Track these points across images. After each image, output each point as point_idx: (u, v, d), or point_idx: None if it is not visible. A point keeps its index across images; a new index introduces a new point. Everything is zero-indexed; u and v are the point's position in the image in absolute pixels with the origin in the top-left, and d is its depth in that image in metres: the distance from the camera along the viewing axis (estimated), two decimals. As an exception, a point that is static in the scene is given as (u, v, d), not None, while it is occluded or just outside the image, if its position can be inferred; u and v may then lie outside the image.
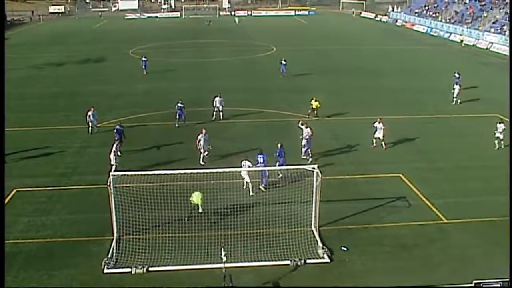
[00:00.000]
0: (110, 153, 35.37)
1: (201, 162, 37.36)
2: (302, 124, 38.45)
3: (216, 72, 71.51)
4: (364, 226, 28.77)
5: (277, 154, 34.12)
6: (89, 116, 44.06)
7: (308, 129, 37.58)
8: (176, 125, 45.18)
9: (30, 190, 33.78)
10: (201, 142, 37.44)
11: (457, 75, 56.12)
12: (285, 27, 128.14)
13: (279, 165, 33.26)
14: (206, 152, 37.71)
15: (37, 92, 61.76)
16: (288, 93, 58.02)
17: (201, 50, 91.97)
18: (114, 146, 35.79)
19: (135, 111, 51.23)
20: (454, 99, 52.33)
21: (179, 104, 45.54)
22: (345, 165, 37.16)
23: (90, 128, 44.17)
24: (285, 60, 68.02)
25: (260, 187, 32.92)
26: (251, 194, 31.67)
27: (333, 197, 31.28)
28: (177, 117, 45.42)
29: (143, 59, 71.68)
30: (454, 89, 53.35)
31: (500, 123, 39.05)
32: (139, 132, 44.58)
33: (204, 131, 37.95)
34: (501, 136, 38.80)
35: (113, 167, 34.38)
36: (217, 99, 47.83)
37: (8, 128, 46.17)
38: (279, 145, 34.59)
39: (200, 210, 29.02)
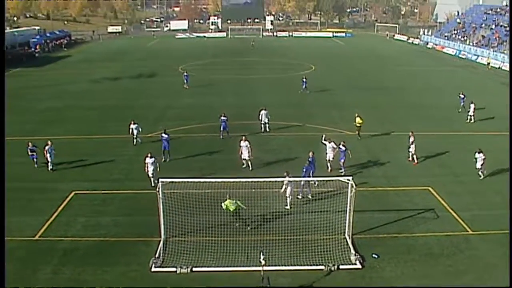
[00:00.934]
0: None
1: (243, 167, 37.78)
2: (325, 140, 38.12)
3: (258, 88, 71.66)
4: (394, 235, 28.55)
5: (309, 161, 34.49)
6: (131, 128, 44.41)
7: (332, 144, 37.44)
8: (221, 136, 45.43)
9: (86, 193, 34.40)
10: (242, 149, 37.91)
11: (461, 96, 55.53)
12: (324, 47, 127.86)
13: (305, 172, 33.34)
14: (247, 158, 38.05)
15: (95, 104, 62.69)
16: (326, 109, 57.79)
17: (245, 67, 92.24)
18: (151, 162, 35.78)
19: (182, 123, 51.60)
20: (469, 117, 51.58)
21: (222, 117, 45.80)
22: (377, 178, 36.87)
23: (134, 140, 44.48)
24: (305, 78, 68.13)
25: (298, 196, 32.88)
26: (288, 207, 31.44)
27: (366, 207, 31.14)
28: (221, 129, 45.65)
29: (185, 74, 73.83)
30: (462, 106, 53.99)
31: (479, 152, 36.60)
32: (185, 142, 44.93)
33: (244, 137, 38.70)
34: (479, 166, 36.53)
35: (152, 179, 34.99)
36: (262, 112, 48.10)
37: (68, 136, 47.33)
38: (310, 153, 34.91)
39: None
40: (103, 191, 34.84)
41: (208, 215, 29.16)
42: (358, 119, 45.07)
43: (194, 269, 25.14)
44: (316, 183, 33.72)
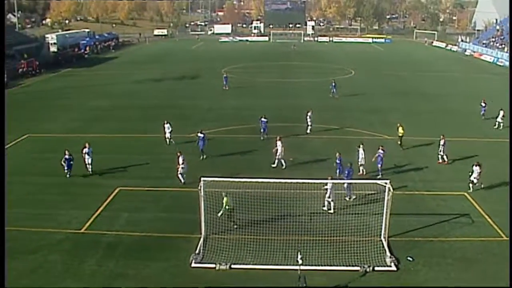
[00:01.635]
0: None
1: (272, 165, 38.28)
2: (359, 146, 37.66)
3: (299, 91, 71.43)
4: (430, 239, 28.18)
5: (337, 162, 35.38)
6: (165, 129, 44.74)
7: (362, 148, 37.17)
8: (261, 138, 45.50)
9: (130, 190, 34.82)
10: (278, 148, 38.38)
11: (483, 104, 54.26)
12: (363, 53, 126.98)
13: (348, 174, 33.10)
14: (279, 156, 38.55)
15: (139, 104, 63.46)
16: (365, 113, 57.34)
17: (286, 71, 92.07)
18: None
19: (224, 124, 51.91)
20: (497, 123, 50.58)
21: (263, 119, 45.92)
22: (414, 182, 36.43)
23: (167, 140, 44.72)
24: (334, 82, 67.58)
25: (346, 198, 32.79)
26: (331, 211, 31.19)
27: (402, 210, 30.72)
28: (262, 130, 45.74)
29: (224, 76, 74.68)
30: (482, 115, 53.59)
31: (476, 165, 34.94)
32: (227, 142, 45.15)
33: (278, 137, 39.37)
34: (475, 180, 34.92)
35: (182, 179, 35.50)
36: (309, 114, 48.35)
37: (112, 134, 47.96)
38: (337, 154, 35.81)
39: (219, 214, 28.83)
40: (146, 188, 35.22)
41: (247, 214, 29.24)
42: (400, 129, 43.96)
43: (232, 266, 25.23)
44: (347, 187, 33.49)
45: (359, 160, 37.00)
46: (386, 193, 26.70)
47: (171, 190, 34.71)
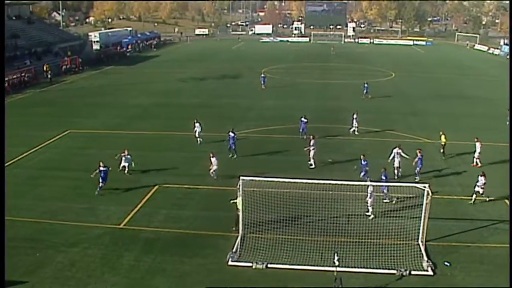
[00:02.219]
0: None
1: (311, 166, 38.41)
2: (396, 149, 37.24)
3: (338, 93, 71.05)
4: (467, 244, 27.75)
5: (363, 164, 35.45)
6: (195, 128, 44.77)
7: (396, 150, 36.83)
8: (300, 136, 45.42)
9: (169, 187, 35.12)
10: (310, 148, 38.59)
11: (509, 110, 52.63)
12: (404, 55, 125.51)
13: (385, 177, 32.78)
14: (311, 155, 38.65)
15: (180, 102, 64.21)
16: (404, 115, 56.73)
17: (326, 72, 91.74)
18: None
19: (263, 123, 52.08)
20: None
21: (303, 119, 45.85)
22: (453, 187, 35.91)
23: (197, 139, 44.78)
24: (367, 83, 67.07)
25: (384, 200, 32.59)
26: (371, 216, 30.89)
27: (440, 215, 30.31)
28: (301, 130, 45.67)
29: (262, 75, 75.03)
30: (508, 119, 51.86)
31: (481, 175, 33.42)
32: (265, 142, 45.27)
33: (311, 136, 39.56)
34: (481, 191, 33.35)
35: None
36: (355, 115, 48.23)
37: (152, 132, 48.46)
38: (361, 157, 35.75)
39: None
40: (185, 186, 35.53)
41: (285, 214, 29.29)
42: (443, 137, 42.06)
43: (269, 265, 25.27)
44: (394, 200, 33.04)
45: (395, 163, 36.68)
46: (425, 197, 26.38)
47: (208, 188, 34.95)
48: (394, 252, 26.19)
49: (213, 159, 36.05)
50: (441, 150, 42.29)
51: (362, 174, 35.37)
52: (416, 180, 35.35)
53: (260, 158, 41.32)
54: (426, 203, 26.27)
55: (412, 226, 27.81)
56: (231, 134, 41.32)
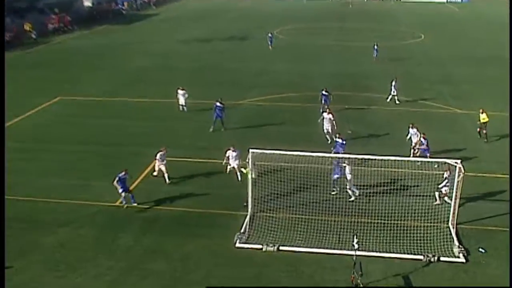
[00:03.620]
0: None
1: (329, 142, 37.93)
2: (411, 128, 36.10)
3: (359, 57, 70.48)
4: (505, 229, 27.38)
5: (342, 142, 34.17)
6: (178, 95, 44.99)
7: (415, 130, 35.51)
8: (321, 110, 44.96)
9: (172, 161, 34.52)
10: (324, 121, 38.42)
11: None
12: (436, 14, 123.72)
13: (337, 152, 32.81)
14: (326, 131, 38.44)
15: (184, 65, 64.14)
16: (436, 83, 56.24)
17: (346, 33, 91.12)
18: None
19: (276, 90, 52.05)
20: None
21: (323, 92, 44.78)
22: (488, 163, 35.55)
23: (182, 107, 45.08)
24: (377, 45, 67.43)
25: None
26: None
27: (474, 194, 30.29)
28: (322, 102, 44.72)
29: (269, 35, 75.58)
30: None
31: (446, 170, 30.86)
32: (278, 111, 45.28)
33: (328, 110, 39.33)
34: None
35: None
36: (394, 82, 48.08)
37: (152, 99, 48.52)
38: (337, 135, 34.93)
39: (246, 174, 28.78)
40: (189, 159, 35.65)
41: (299, 191, 29.52)
42: (483, 116, 39.71)
43: (281, 247, 25.37)
44: (436, 165, 32.42)
45: (413, 143, 35.64)
46: (456, 174, 26.36)
47: (217, 162, 34.39)
48: (420, 236, 26.21)
49: (232, 153, 32.75)
50: (484, 131, 39.66)
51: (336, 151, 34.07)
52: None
53: (271, 129, 41.37)
54: (458, 181, 26.24)
55: (441, 207, 28.01)
56: (218, 104, 40.97)
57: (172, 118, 44.19)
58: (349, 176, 29.78)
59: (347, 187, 30.05)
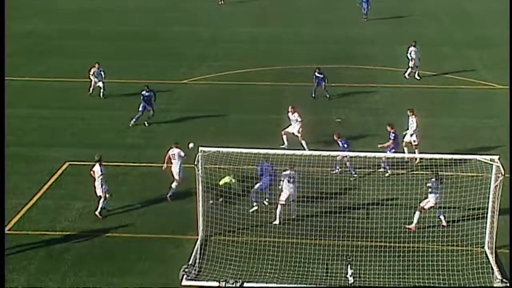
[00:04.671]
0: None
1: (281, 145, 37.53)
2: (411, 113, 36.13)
3: (350, 13, 70.73)
4: None
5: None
6: (93, 74, 44.73)
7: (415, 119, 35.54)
8: (313, 94, 45.06)
9: (87, 165, 33.77)
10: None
11: None
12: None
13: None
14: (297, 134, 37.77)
15: (101, 30, 64.01)
16: (462, 47, 57.13)
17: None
18: None
19: (235, 64, 52.10)
20: None
21: (317, 74, 44.49)
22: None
23: (91, 89, 44.90)
24: None
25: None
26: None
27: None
28: (316, 85, 44.68)
29: None
30: None
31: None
32: (238, 93, 45.28)
33: (292, 108, 37.65)
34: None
35: None
36: (412, 49, 48.23)
37: (58, 79, 48.07)
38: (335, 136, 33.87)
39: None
40: (111, 163, 34.83)
41: (268, 204, 29.68)
42: None
43: (245, 284, 25.05)
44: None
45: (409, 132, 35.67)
46: (493, 176, 26.18)
47: (152, 166, 34.58)
48: (444, 264, 26.04)
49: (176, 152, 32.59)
50: None
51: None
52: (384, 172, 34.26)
53: (229, 118, 41.48)
54: (496, 186, 26.03)
55: (472, 224, 27.89)
56: (145, 93, 40.81)
57: (86, 105, 43.77)
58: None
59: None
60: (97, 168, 29.94)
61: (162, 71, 45.52)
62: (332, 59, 51.90)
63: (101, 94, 44.80)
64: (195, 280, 25.45)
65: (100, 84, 44.67)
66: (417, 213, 28.56)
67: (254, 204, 30.07)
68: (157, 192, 32.32)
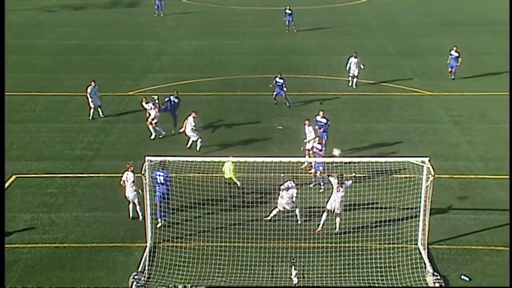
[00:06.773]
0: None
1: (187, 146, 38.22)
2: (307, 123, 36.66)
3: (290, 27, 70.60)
4: (495, 247, 27.89)
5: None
6: (89, 93, 43.82)
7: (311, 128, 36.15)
8: (274, 100, 45.50)
9: (35, 177, 34.58)
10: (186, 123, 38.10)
11: None
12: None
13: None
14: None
15: (48, 44, 63.77)
16: (392, 57, 58.06)
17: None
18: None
19: (181, 76, 52.42)
20: None
21: (278, 79, 44.82)
22: (469, 161, 36.37)
23: (91, 111, 43.67)
24: (290, 9, 68.14)
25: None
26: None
27: (451, 204, 30.99)
28: (275, 95, 45.17)
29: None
30: None
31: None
32: (185, 104, 45.31)
33: (193, 112, 38.28)
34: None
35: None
36: (352, 60, 48.48)
37: (7, 92, 47.64)
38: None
39: (238, 184, 29.96)
40: (60, 175, 35.17)
41: (218, 210, 29.99)
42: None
43: (195, 288, 25.66)
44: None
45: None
46: (424, 177, 26.86)
47: (100, 176, 34.77)
48: (381, 262, 26.61)
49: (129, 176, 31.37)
50: None
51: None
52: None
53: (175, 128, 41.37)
54: (427, 186, 26.69)
55: (407, 222, 28.49)
56: (174, 100, 41.11)
57: (32, 118, 43.77)
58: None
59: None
60: (129, 175, 29.98)
61: (108, 84, 45.48)
62: (273, 69, 52.17)
63: (101, 113, 43.69)
64: (145, 287, 25.79)
65: (98, 102, 43.57)
66: (325, 214, 29.11)
67: (159, 220, 29.96)
68: (105, 202, 32.50)
